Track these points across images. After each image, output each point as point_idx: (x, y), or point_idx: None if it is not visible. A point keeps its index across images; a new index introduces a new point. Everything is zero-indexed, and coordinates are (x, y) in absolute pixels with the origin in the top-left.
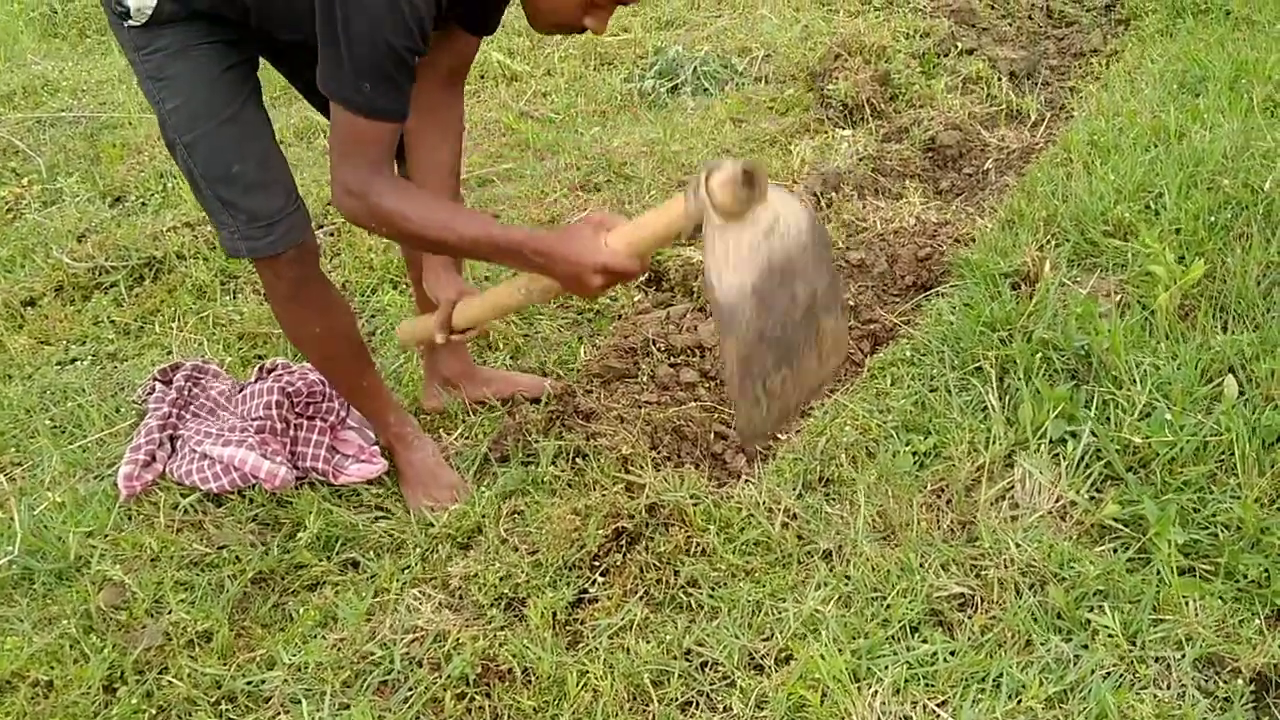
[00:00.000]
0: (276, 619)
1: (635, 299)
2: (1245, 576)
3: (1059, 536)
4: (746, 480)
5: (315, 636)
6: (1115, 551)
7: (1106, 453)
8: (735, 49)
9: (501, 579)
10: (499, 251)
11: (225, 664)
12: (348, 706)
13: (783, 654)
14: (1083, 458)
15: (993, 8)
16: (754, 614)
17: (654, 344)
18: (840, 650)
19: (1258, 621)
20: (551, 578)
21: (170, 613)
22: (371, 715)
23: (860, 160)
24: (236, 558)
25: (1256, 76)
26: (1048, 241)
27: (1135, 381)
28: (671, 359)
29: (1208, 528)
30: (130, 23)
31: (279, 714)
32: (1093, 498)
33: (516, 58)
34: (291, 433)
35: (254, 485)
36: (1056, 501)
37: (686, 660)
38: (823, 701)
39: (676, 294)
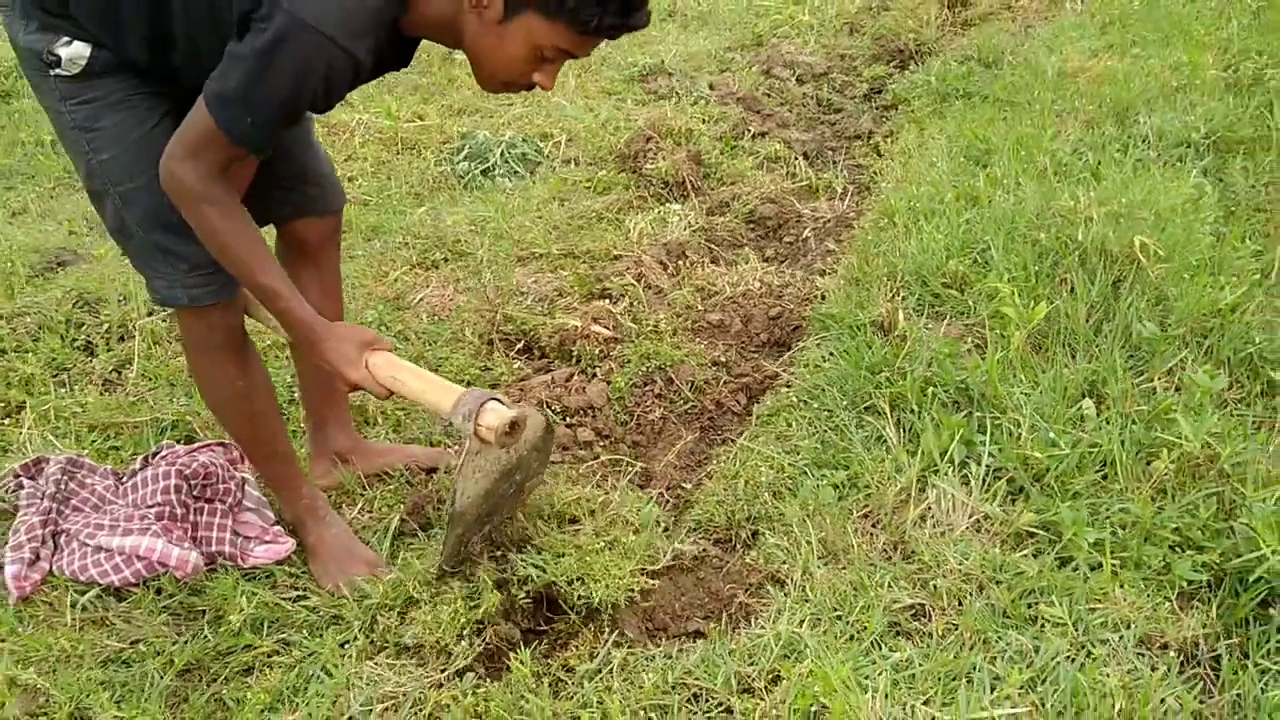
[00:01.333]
0: (216, 710)
1: (514, 366)
2: (1149, 566)
3: (986, 546)
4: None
5: None
6: (1037, 555)
7: (1007, 469)
8: (537, 134)
9: (464, 637)
10: (279, 313)
11: None
12: None
13: (770, 675)
14: (985, 477)
15: (769, 96)
16: (730, 641)
17: (548, 405)
18: (827, 665)
19: (1169, 604)
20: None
21: (97, 716)
22: None
23: (693, 231)
24: (157, 651)
25: (1036, 147)
26: (895, 294)
27: (1015, 408)
28: (567, 419)
29: (1108, 528)
30: (58, 72)
31: None
32: (1003, 509)
33: None
34: (191, 517)
35: (159, 575)
36: (972, 516)
37: (678, 693)
38: (839, 710)
39: (552, 359)
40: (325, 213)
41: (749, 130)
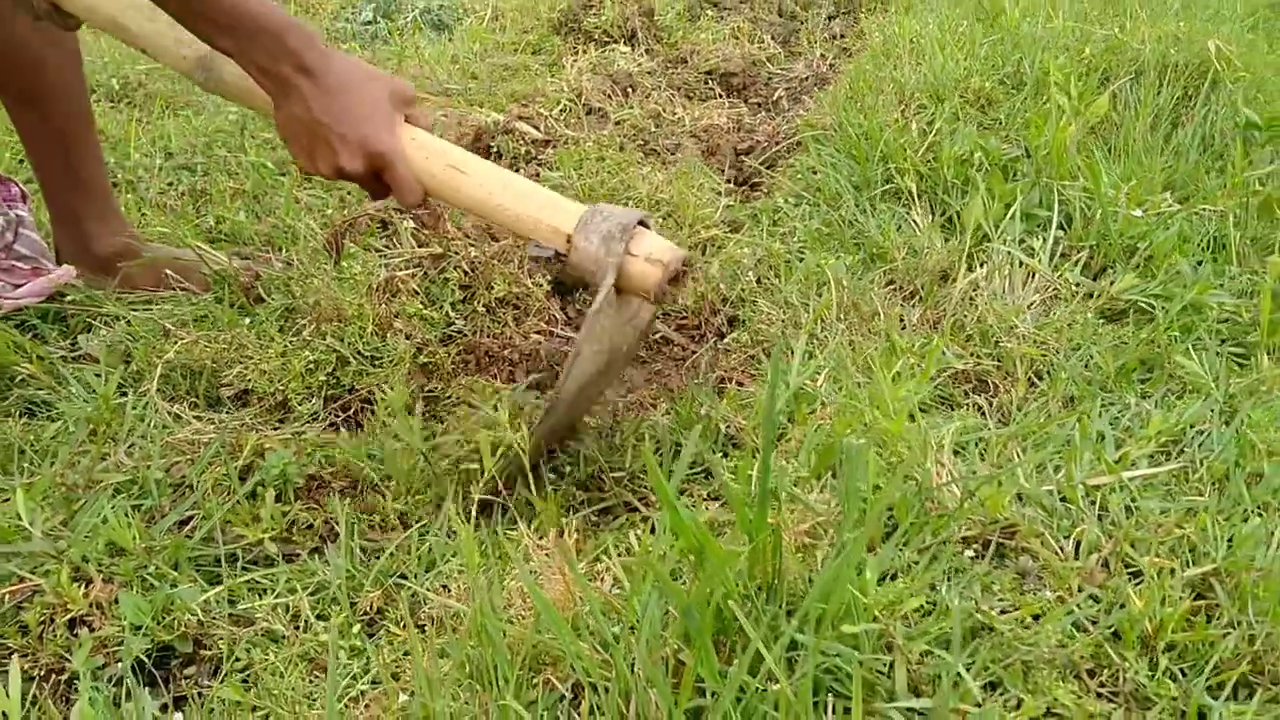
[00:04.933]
0: None
1: None
2: None
3: (1073, 313)
4: None
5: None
6: (1141, 329)
7: (1080, 248)
8: (456, 7)
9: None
10: (230, 14)
11: None
12: None
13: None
14: (1054, 253)
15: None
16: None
17: None
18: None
19: None
20: None
21: None
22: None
23: (646, 73)
24: None
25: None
26: (903, 111)
27: (1093, 179)
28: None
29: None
30: None
31: None
32: (1089, 279)
33: None
34: None
35: None
36: (1045, 289)
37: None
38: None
39: None
40: None
41: (706, 13)
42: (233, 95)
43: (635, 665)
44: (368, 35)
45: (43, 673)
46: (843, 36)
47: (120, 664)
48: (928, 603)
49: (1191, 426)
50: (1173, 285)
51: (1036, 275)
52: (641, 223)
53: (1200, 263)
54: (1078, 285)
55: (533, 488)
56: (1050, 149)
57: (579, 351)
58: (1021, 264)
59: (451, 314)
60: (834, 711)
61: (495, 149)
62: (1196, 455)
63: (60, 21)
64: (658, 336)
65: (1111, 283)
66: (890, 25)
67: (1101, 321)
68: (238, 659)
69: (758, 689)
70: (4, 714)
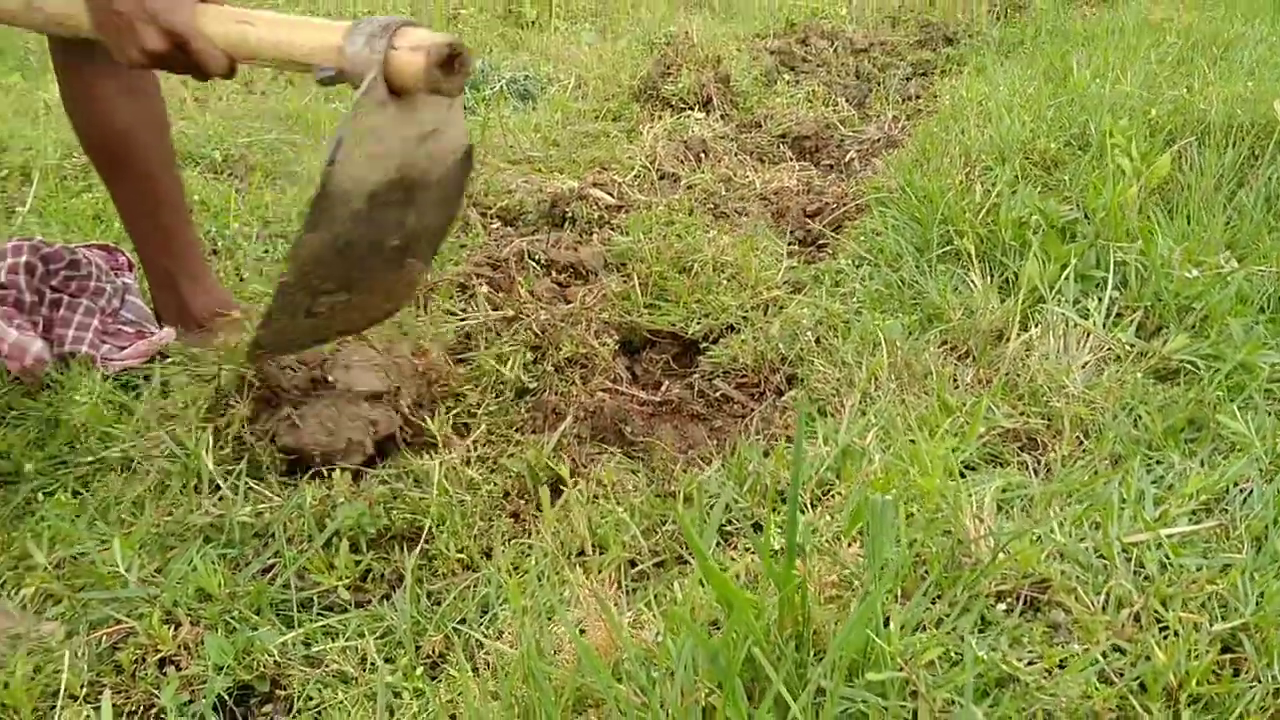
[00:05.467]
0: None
1: (493, 227)
2: None
3: (1124, 373)
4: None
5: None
6: (1190, 389)
7: (1135, 308)
8: (542, 77)
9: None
10: None
11: None
12: None
13: (821, 485)
14: (1108, 313)
15: (806, 61)
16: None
17: (530, 258)
18: (905, 455)
19: None
20: None
21: None
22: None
23: (719, 138)
24: None
25: (1134, 55)
26: (968, 173)
27: (1140, 247)
28: (553, 275)
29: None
30: None
31: None
32: (1141, 340)
33: None
34: (45, 311)
35: None
36: (1098, 349)
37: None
38: (934, 510)
39: (539, 226)
40: None
41: (782, 77)
42: (62, 24)
43: (669, 709)
44: None
45: (134, 708)
46: (917, 98)
47: (204, 701)
48: (954, 652)
49: (1234, 485)
50: (1224, 345)
51: (1090, 335)
52: (408, 25)
53: (1255, 324)
54: (1131, 345)
55: (503, 560)
56: (1108, 210)
57: (339, 139)
58: (1075, 324)
59: (523, 376)
60: None
61: (570, 214)
62: (1237, 513)
63: None
64: (718, 395)
65: (1164, 343)
66: (961, 88)
67: (1152, 381)
68: (309, 698)
69: None
70: None
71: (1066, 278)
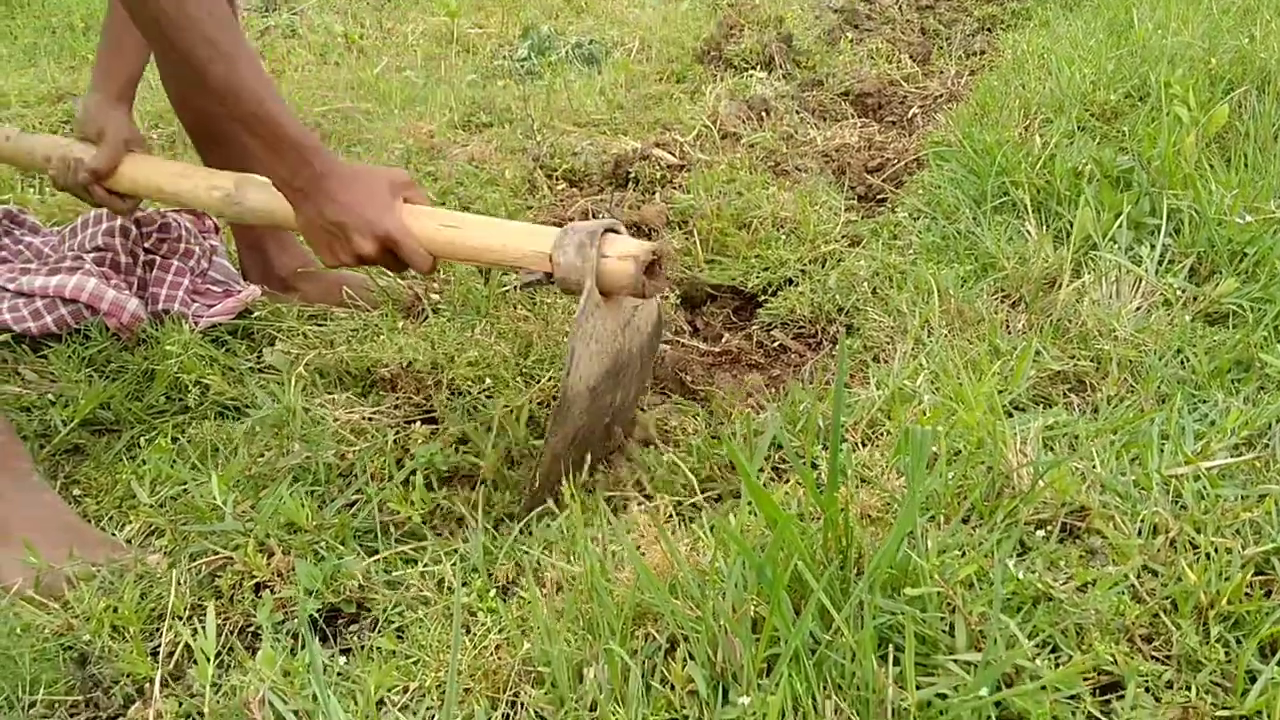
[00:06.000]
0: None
1: (559, 188)
2: None
3: (1173, 317)
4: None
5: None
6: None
7: (1188, 254)
8: (607, 40)
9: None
10: (261, 125)
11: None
12: None
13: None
14: (1161, 260)
15: (870, 18)
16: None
17: (593, 217)
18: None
19: None
20: None
21: None
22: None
23: (781, 97)
24: (66, 401)
25: (1195, 6)
26: (1026, 126)
27: (1201, 191)
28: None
29: None
30: None
31: None
32: (1193, 285)
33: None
34: (139, 271)
35: (88, 323)
36: (1149, 294)
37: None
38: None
39: (602, 186)
40: None
41: (847, 35)
42: (255, 219)
43: (721, 619)
44: (522, 71)
45: (232, 628)
46: (982, 53)
47: (296, 620)
48: (991, 573)
49: (1277, 420)
50: (1274, 288)
51: (1142, 281)
52: (611, 230)
53: None
54: (1181, 290)
55: (574, 490)
56: (1164, 159)
57: (573, 350)
58: (1127, 271)
59: None
60: (896, 663)
61: (633, 174)
62: (1278, 447)
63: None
64: (775, 345)
65: (1215, 287)
66: (1023, 42)
67: (1201, 325)
68: (390, 620)
69: (828, 640)
70: (202, 650)
71: (1120, 225)
